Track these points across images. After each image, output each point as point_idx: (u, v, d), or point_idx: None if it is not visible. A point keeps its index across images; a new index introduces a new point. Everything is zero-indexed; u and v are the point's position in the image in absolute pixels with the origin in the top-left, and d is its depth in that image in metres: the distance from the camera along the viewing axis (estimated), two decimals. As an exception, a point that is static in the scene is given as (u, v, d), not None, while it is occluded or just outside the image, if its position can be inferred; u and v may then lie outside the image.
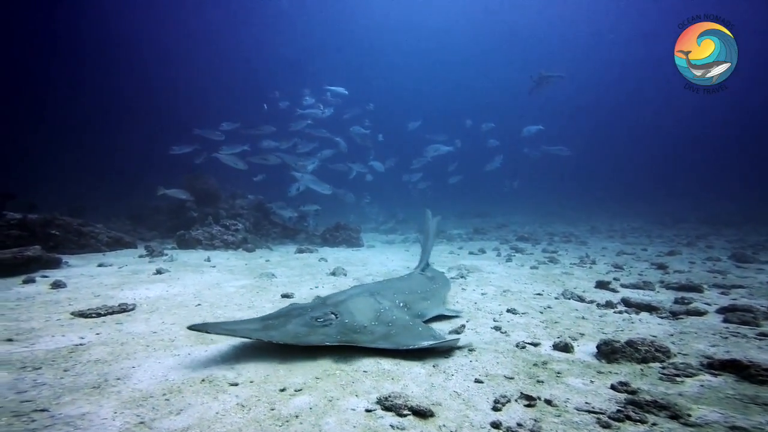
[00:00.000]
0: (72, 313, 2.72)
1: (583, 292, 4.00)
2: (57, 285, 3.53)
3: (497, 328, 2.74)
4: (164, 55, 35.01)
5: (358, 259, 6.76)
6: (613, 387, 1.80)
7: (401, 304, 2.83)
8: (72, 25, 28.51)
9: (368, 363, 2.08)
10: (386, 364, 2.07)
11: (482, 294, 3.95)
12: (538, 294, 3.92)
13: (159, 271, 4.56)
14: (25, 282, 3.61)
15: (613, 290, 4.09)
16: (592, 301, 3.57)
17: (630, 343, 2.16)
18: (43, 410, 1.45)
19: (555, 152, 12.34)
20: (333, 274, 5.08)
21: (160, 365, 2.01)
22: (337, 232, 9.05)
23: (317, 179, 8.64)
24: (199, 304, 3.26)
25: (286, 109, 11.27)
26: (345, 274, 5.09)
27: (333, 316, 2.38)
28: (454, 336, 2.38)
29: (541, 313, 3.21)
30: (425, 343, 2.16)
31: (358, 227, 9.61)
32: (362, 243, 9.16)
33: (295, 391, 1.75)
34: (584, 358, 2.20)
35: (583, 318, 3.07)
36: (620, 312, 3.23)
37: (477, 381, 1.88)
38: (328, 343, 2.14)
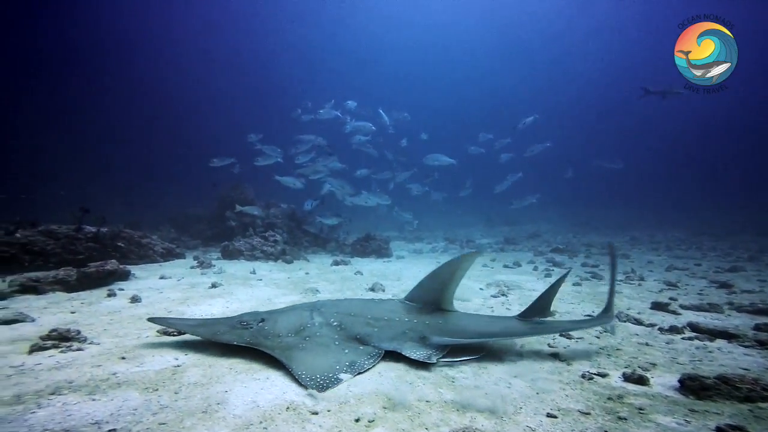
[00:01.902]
0: (158, 331, 3.04)
1: (639, 313, 3.87)
2: (135, 299, 3.91)
3: (555, 355, 2.70)
4: (191, 67, 37.19)
5: (392, 272, 6.90)
6: (720, 430, 1.70)
7: (335, 324, 2.74)
8: (96, 31, 30.74)
9: (429, 392, 2.15)
10: (447, 394, 2.14)
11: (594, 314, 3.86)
12: (588, 315, 3.83)
13: (214, 285, 4.91)
14: (109, 295, 4.01)
15: (674, 312, 3.92)
16: (652, 325, 3.45)
17: (724, 380, 2.05)
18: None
19: (610, 166, 12.03)
20: (372, 289, 5.24)
21: (247, 390, 2.22)
22: (367, 242, 9.27)
23: (373, 193, 8.93)
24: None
25: (311, 118, 11.58)
26: (383, 290, 5.23)
27: (258, 323, 2.68)
28: (347, 376, 2.27)
29: (598, 338, 3.15)
30: (301, 373, 2.24)
31: (387, 237, 9.80)
32: (392, 253, 9.32)
33: (369, 422, 1.90)
34: (665, 392, 2.13)
35: (647, 345, 2.98)
36: (690, 338, 3.10)
37: (550, 416, 1.87)
38: (234, 343, 2.52)
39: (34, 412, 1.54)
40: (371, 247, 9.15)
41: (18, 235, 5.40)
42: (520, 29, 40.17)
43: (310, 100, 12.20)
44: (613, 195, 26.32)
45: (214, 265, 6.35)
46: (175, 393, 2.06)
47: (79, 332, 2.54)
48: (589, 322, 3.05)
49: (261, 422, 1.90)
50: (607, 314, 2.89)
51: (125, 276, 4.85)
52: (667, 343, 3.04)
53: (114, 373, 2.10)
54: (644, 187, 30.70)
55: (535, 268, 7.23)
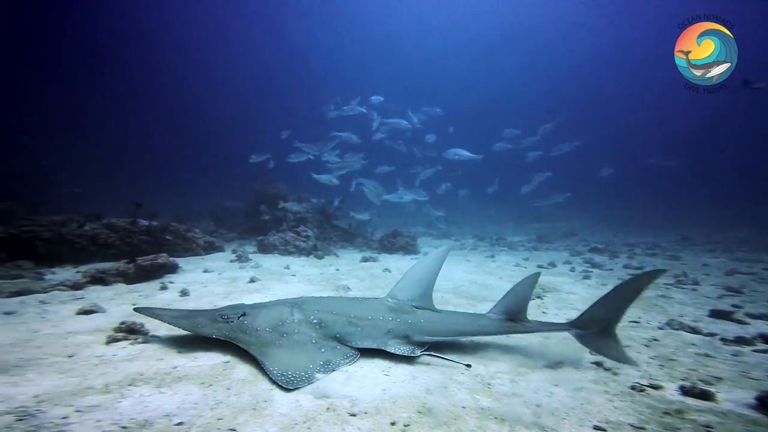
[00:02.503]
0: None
1: (695, 321, 3.60)
2: (184, 293, 4.28)
3: (598, 364, 2.58)
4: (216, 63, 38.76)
5: (420, 270, 6.95)
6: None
7: (314, 321, 2.74)
8: (123, 28, 32.40)
9: (465, 398, 2.16)
10: (484, 400, 2.13)
11: (567, 320, 3.79)
12: (635, 322, 3.63)
13: (252, 280, 5.22)
14: (162, 288, 4.40)
15: (740, 321, 3.60)
16: (712, 334, 3.21)
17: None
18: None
19: (665, 164, 11.33)
20: None
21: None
22: (394, 238, 9.35)
23: (409, 189, 9.05)
24: None
25: (337, 115, 11.70)
26: None
27: (239, 317, 2.71)
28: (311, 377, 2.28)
29: (647, 346, 2.98)
30: (273, 369, 2.27)
31: (415, 234, 9.83)
32: (419, 250, 9.34)
33: (404, 426, 1.98)
34: (739, 410, 1.96)
35: (707, 356, 2.78)
36: (763, 351, 2.84)
37: (597, 429, 1.79)
38: (213, 336, 2.55)
39: (120, 402, 1.77)
40: (398, 243, 9.22)
41: (87, 228, 6.04)
42: (524, 26, 38.81)
43: (339, 95, 12.34)
44: (658, 192, 24.36)
45: (251, 259, 6.73)
46: (228, 389, 2.26)
47: (143, 325, 2.84)
48: (559, 326, 2.96)
49: (305, 422, 2.05)
50: (579, 321, 2.72)
51: (174, 269, 5.29)
52: (734, 355, 2.80)
53: (175, 367, 2.33)
54: (697, 184, 28.09)
55: (572, 269, 6.94)
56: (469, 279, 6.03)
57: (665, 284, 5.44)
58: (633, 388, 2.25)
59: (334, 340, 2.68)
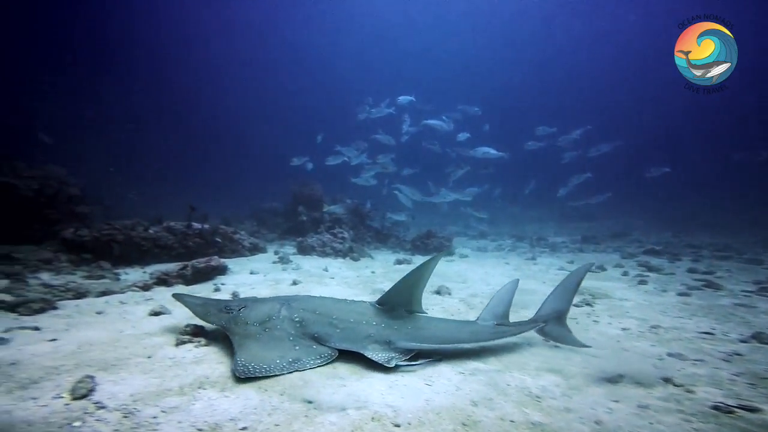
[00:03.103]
0: None
1: None
2: (234, 295, 4.62)
3: (667, 380, 2.37)
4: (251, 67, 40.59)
5: (456, 273, 6.83)
6: None
7: (297, 319, 2.81)
8: (160, 28, 34.52)
9: (513, 411, 2.10)
10: (535, 415, 2.06)
11: (623, 329, 3.48)
12: (707, 333, 3.29)
13: (295, 282, 5.51)
14: (215, 290, 4.79)
15: None
16: None
17: None
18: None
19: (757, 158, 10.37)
20: (437, 292, 5.25)
21: (336, 396, 2.51)
22: (428, 239, 9.32)
23: (452, 189, 9.08)
24: None
25: (366, 117, 11.78)
26: (449, 293, 5.20)
27: (239, 309, 2.88)
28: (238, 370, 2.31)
29: (728, 362, 2.69)
30: (239, 359, 2.37)
31: (449, 234, 9.71)
32: (454, 251, 9.23)
33: None
34: None
35: None
36: None
37: None
38: (215, 324, 2.82)
39: (193, 404, 1.98)
40: (432, 244, 9.18)
41: (150, 231, 6.74)
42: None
43: (370, 96, 12.45)
44: (735, 189, 21.57)
45: (292, 261, 7.09)
46: (281, 394, 2.43)
47: (203, 328, 3.12)
48: (529, 323, 3.05)
49: (352, 431, 2.17)
50: (538, 316, 2.93)
51: (224, 271, 5.73)
52: None
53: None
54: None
55: (625, 273, 6.45)
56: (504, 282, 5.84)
57: (744, 292, 4.86)
58: (717, 408, 2.04)
59: (311, 339, 2.74)
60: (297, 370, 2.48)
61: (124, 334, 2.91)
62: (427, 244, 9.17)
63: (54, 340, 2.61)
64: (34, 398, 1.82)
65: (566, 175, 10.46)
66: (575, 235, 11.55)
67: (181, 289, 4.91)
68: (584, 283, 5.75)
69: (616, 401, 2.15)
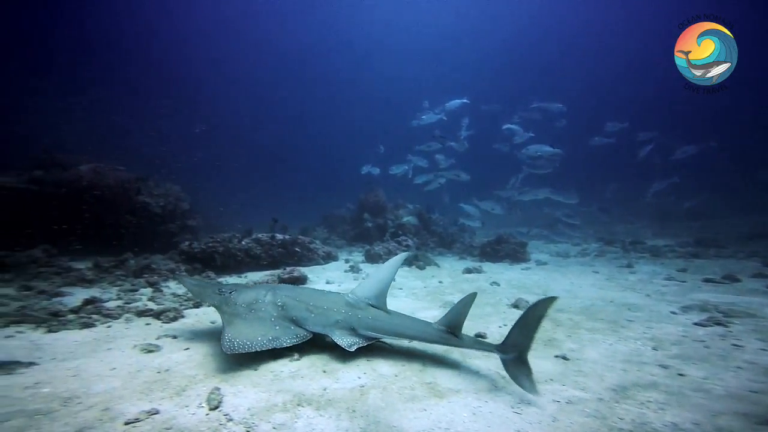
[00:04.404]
0: None
1: None
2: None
3: None
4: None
5: (535, 283, 6.31)
6: None
7: (279, 304, 3.22)
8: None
9: None
10: None
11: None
12: None
13: (366, 293, 5.81)
14: (299, 301, 5.38)
15: None
16: None
17: None
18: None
19: None
20: (516, 306, 4.88)
21: (417, 421, 2.57)
22: (499, 245, 8.84)
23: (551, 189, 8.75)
24: (413, 343, 3.80)
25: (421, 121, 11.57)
26: None
27: (230, 292, 3.32)
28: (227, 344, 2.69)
29: None
30: (227, 335, 2.77)
31: (524, 240, 9.05)
32: (529, 257, 8.58)
33: None
34: None
35: None
36: None
37: None
38: (207, 304, 3.44)
39: (295, 422, 2.23)
40: (504, 250, 8.68)
41: (243, 242, 7.78)
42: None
43: (427, 100, 12.32)
44: None
45: (362, 270, 7.44)
46: (366, 416, 2.57)
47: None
48: (488, 346, 2.93)
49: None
50: (503, 346, 2.73)
51: (304, 281, 6.30)
52: None
53: (324, 389, 2.77)
54: None
55: (769, 285, 5.21)
56: (601, 296, 5.18)
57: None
58: None
59: (290, 321, 3.14)
60: (275, 347, 2.89)
61: (234, 345, 3.40)
62: (498, 250, 8.70)
63: (187, 349, 3.21)
64: (186, 406, 2.25)
65: (645, 172, 8.98)
66: (684, 237, 9.63)
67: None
68: (706, 296, 4.96)
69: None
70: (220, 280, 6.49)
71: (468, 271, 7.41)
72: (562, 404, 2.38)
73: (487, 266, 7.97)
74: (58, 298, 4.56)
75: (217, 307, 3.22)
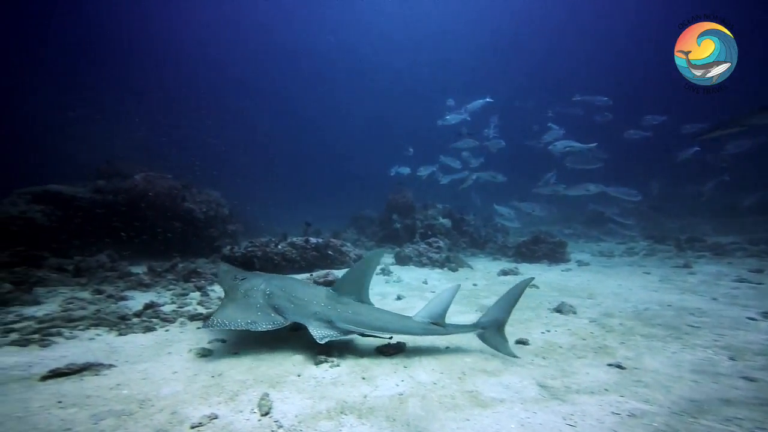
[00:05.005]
0: (376, 349, 3.90)
1: None
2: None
3: None
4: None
5: (577, 286, 5.97)
6: None
7: (267, 293, 3.51)
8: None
9: None
10: None
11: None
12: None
13: (399, 297, 5.78)
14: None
15: None
16: None
17: None
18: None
19: None
20: (559, 311, 4.65)
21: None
22: (535, 245, 8.49)
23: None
24: (450, 349, 3.60)
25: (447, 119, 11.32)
26: (574, 312, 4.56)
27: (241, 280, 3.81)
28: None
29: None
30: (217, 316, 3.18)
31: (564, 240, 8.61)
32: (569, 257, 8.16)
33: None
34: None
35: None
36: None
37: None
38: (221, 286, 4.05)
39: (340, 430, 2.32)
40: (541, 251, 8.33)
41: (279, 246, 8.13)
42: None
43: (452, 98, 12.08)
44: None
45: (392, 272, 7.49)
46: (407, 425, 2.58)
47: (332, 348, 3.60)
48: (468, 327, 3.34)
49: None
50: (481, 323, 3.27)
51: (339, 284, 6.46)
52: None
53: (365, 396, 2.84)
54: None
55: None
56: (656, 300, 4.81)
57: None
58: None
59: (272, 309, 3.38)
60: (251, 330, 3.17)
61: (278, 350, 3.59)
62: (535, 250, 8.35)
63: (236, 353, 3.43)
64: (240, 411, 2.43)
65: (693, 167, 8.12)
66: (753, 233, 8.64)
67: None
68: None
69: None
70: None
71: (503, 273, 7.19)
72: (623, 417, 2.23)
73: (523, 267, 7.68)
74: (123, 302, 5.07)
75: (225, 292, 3.74)
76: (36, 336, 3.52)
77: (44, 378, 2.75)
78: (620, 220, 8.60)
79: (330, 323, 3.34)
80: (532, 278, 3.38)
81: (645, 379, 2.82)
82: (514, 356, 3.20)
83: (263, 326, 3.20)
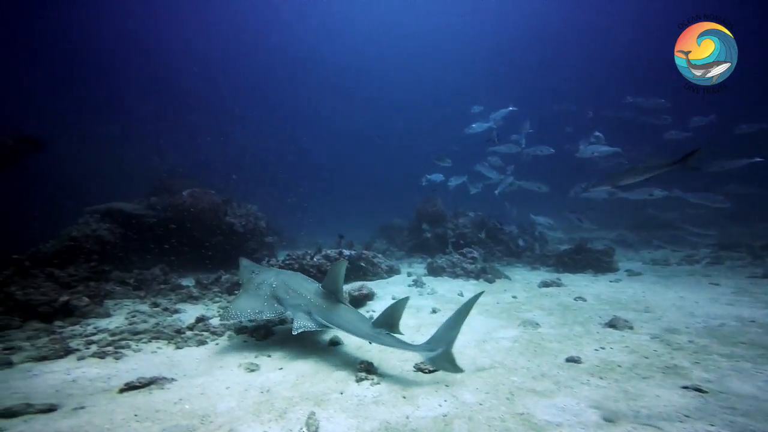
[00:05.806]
0: (414, 366, 3.81)
1: None
2: (387, 324, 5.21)
3: None
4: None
5: (630, 298, 5.52)
6: None
7: (274, 286, 4.07)
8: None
9: None
10: None
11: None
12: None
13: (434, 310, 5.67)
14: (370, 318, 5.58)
15: None
16: None
17: None
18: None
19: None
20: (613, 326, 4.28)
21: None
22: (578, 254, 8.01)
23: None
24: (494, 367, 3.52)
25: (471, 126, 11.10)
26: (630, 327, 4.20)
27: (256, 274, 4.49)
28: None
29: None
30: (232, 308, 3.91)
31: (611, 248, 8.05)
32: (617, 266, 7.60)
33: None
34: None
35: None
36: None
37: None
38: (240, 279, 4.93)
39: (385, 456, 2.34)
40: (585, 260, 7.85)
41: (314, 259, 8.38)
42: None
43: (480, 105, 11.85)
44: None
45: (426, 284, 7.40)
46: None
47: (371, 364, 3.61)
48: (414, 347, 3.28)
49: None
50: (429, 345, 3.20)
51: (372, 297, 6.50)
52: None
53: (407, 417, 2.81)
54: None
55: None
56: (733, 314, 4.34)
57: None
58: None
59: (275, 300, 3.94)
60: (257, 318, 3.82)
61: (320, 365, 3.68)
62: (578, 260, 7.88)
63: (281, 369, 3.57)
64: (290, 430, 2.52)
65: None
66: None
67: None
68: None
69: None
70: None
71: (545, 284, 6.83)
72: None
73: (566, 278, 7.26)
74: (177, 315, 5.47)
75: (242, 284, 4.35)
76: (110, 348, 3.91)
77: (121, 390, 3.05)
78: (697, 230, 7.70)
79: (309, 314, 3.77)
80: (482, 292, 3.59)
81: (739, 406, 2.52)
82: (460, 371, 3.19)
83: (267, 315, 3.78)
